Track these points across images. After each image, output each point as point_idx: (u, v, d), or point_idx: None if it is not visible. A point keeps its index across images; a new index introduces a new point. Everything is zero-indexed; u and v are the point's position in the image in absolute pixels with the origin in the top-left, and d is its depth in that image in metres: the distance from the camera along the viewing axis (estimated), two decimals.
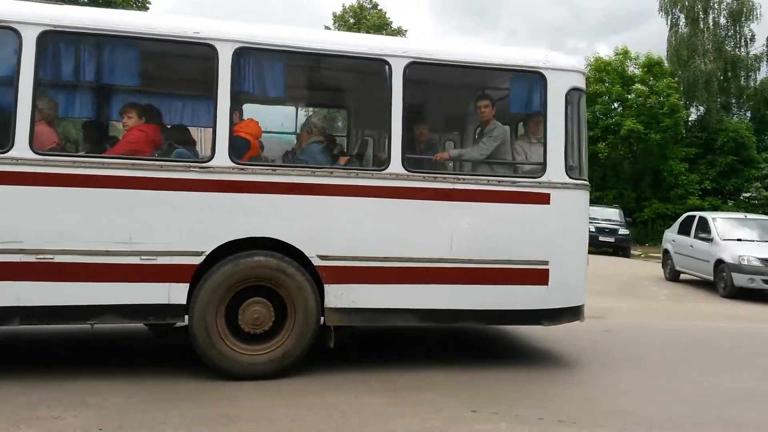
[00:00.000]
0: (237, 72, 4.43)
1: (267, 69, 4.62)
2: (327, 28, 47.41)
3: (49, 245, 4.10)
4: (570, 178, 4.88)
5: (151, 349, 5.09)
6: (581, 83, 5.06)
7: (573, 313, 5.02)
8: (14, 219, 4.08)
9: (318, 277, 4.48)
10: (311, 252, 4.45)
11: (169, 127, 5.14)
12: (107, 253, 4.19)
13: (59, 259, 4.11)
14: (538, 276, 4.80)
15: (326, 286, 4.48)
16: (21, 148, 4.04)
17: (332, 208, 4.55)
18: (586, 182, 5.17)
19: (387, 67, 4.64)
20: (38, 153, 4.09)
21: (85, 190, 4.19)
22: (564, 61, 5.06)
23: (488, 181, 4.84)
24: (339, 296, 4.50)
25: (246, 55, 4.50)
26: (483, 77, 5.34)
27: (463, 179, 4.84)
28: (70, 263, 4.14)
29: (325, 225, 4.52)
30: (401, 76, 4.62)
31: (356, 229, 4.57)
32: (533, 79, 4.89)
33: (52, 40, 4.21)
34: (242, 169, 4.39)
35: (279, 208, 4.47)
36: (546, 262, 4.81)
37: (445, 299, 4.68)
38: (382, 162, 4.82)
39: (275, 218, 4.45)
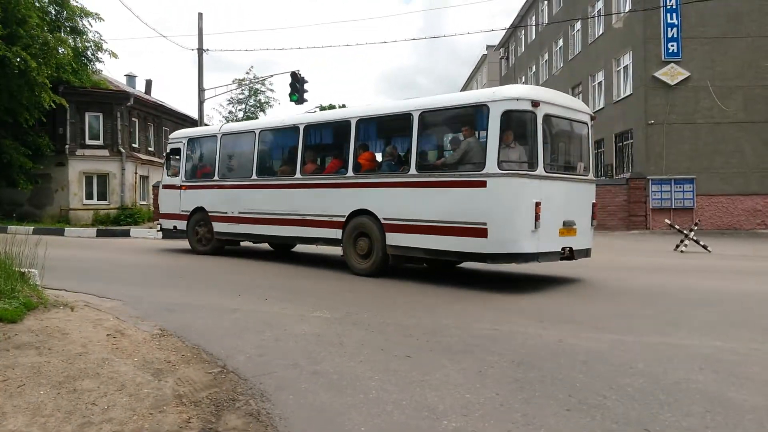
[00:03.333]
0: (357, 133, 9.07)
1: (371, 131, 9.73)
2: None
3: (309, 212, 9.63)
4: (500, 169, 7.21)
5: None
6: (518, 106, 7.32)
7: (509, 257, 7.44)
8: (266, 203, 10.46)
9: (383, 228, 8.40)
10: (381, 216, 8.46)
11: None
12: (318, 215, 9.42)
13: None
14: (481, 232, 7.32)
15: (387, 234, 8.35)
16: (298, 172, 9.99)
17: (389, 192, 8.45)
18: (521, 172, 7.29)
19: (409, 117, 8.36)
20: (303, 174, 9.88)
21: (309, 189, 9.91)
22: (504, 92, 7.57)
23: (452, 174, 7.82)
24: (391, 239, 8.30)
25: (361, 123, 9.18)
26: (460, 112, 8.27)
27: (446, 173, 7.93)
28: (312, 220, 9.56)
29: (386, 202, 8.44)
30: (417, 120, 8.24)
31: (397, 203, 8.30)
32: (483, 108, 7.58)
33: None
34: (355, 176, 8.98)
35: (371, 195, 8.68)
36: (485, 223, 7.29)
37: (434, 243, 7.85)
38: (407, 168, 8.33)
39: (369, 200, 8.67)
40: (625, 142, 23.64)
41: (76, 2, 25.26)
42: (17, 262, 5.92)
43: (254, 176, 10.68)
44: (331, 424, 3.04)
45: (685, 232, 13.90)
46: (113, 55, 26.90)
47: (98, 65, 27.61)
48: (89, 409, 3.15)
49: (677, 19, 20.88)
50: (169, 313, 5.58)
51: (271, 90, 44.25)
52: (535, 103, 7.26)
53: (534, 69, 36.11)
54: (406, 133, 8.53)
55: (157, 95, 40.38)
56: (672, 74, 20.96)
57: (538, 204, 7.17)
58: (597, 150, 26.34)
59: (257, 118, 39.16)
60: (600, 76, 25.99)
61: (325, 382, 3.63)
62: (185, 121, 32.06)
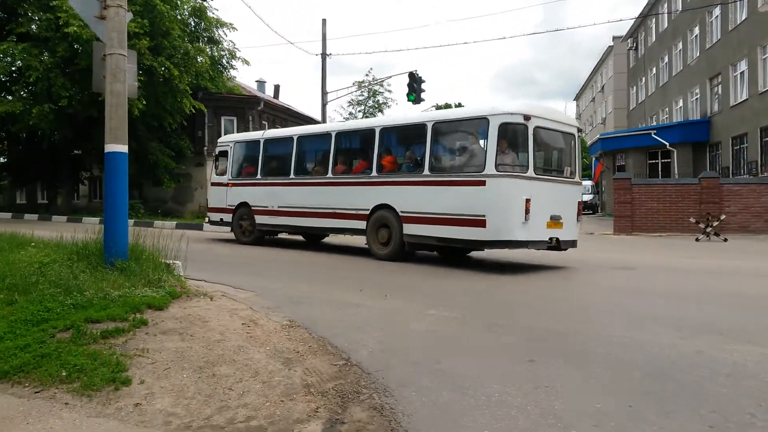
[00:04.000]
0: (381, 140, 10.71)
1: (392, 138, 11.19)
2: None
3: (336, 207, 11.27)
4: (497, 171, 8.69)
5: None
6: (512, 119, 8.81)
7: (505, 243, 8.93)
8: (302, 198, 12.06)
9: (401, 220, 9.94)
10: (399, 209, 10.01)
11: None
12: (346, 209, 11.03)
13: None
14: (480, 222, 8.81)
15: (404, 224, 9.88)
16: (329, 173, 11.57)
17: (406, 190, 10.00)
18: (514, 174, 8.78)
19: (424, 127, 9.96)
20: (334, 174, 11.46)
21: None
22: (501, 107, 9.15)
23: (458, 175, 9.39)
24: (408, 229, 9.82)
25: (384, 132, 10.88)
26: (465, 124, 9.92)
27: (453, 174, 9.51)
28: (342, 213, 11.11)
29: (404, 198, 9.97)
30: (431, 130, 9.81)
31: (412, 199, 9.84)
32: (484, 120, 9.08)
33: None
34: (378, 175, 10.59)
35: (391, 192, 10.21)
36: (484, 216, 8.77)
37: (443, 232, 9.34)
38: (422, 169, 9.87)
39: (389, 196, 10.21)
40: None
41: (213, 14, 27.19)
42: (163, 254, 6.48)
43: (292, 175, 12.26)
44: (454, 424, 3.02)
45: None
46: (245, 62, 28.78)
47: (232, 72, 29.53)
48: (226, 394, 3.37)
49: None
50: (296, 305, 5.84)
51: (389, 91, 44.97)
52: (527, 117, 8.73)
53: (666, 59, 33.75)
54: (421, 140, 10.02)
55: (285, 99, 42.51)
56: None
57: (528, 200, 8.61)
58: (739, 146, 24.11)
59: (375, 117, 40.11)
60: (742, 66, 23.77)
61: (447, 381, 3.62)
62: (310, 122, 33.42)
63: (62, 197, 29.19)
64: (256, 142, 13.44)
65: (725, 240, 15.92)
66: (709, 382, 3.64)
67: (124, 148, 6.13)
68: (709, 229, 16.33)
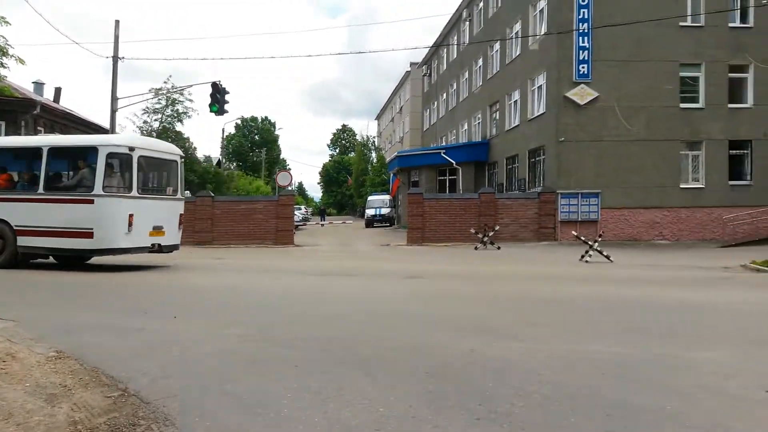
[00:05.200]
0: None
1: (9, 158, 12.22)
2: None
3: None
4: (104, 192, 10.54)
5: None
6: (118, 149, 10.82)
7: (110, 251, 10.81)
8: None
9: (15, 233, 10.96)
10: (14, 224, 11.00)
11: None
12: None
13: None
14: (88, 234, 10.52)
15: (18, 237, 10.94)
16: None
17: (21, 206, 11.09)
18: (119, 194, 10.72)
19: (40, 150, 11.21)
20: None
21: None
22: (109, 139, 12.04)
23: (71, 194, 10.95)
24: (22, 240, 10.94)
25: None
26: (79, 150, 11.57)
27: (66, 193, 11.00)
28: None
29: (19, 213, 10.99)
30: (46, 153, 11.04)
31: (28, 214, 10.94)
32: (94, 149, 10.80)
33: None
34: None
35: (6, 207, 11.10)
36: (91, 229, 10.50)
37: (55, 243, 10.80)
38: (37, 188, 11.06)
39: (4, 212, 11.09)
40: (537, 158, 24.63)
41: None
42: None
43: None
44: None
45: (590, 243, 14.61)
46: (20, 61, 25.28)
47: (2, 71, 25.86)
48: None
49: (588, 42, 22.03)
50: (67, 334, 5.21)
51: (191, 100, 42.99)
52: (131, 148, 10.77)
53: (455, 87, 37.08)
54: (38, 161, 11.26)
55: (68, 104, 38.37)
56: (582, 94, 22.05)
57: (131, 215, 10.59)
58: (512, 165, 27.27)
59: (174, 128, 38.08)
60: (516, 95, 27.00)
61: (235, 402, 3.49)
62: (96, 130, 30.52)
63: None
64: None
65: (498, 248, 17.87)
66: (480, 377, 4.01)
67: None
68: (485, 239, 18.21)
